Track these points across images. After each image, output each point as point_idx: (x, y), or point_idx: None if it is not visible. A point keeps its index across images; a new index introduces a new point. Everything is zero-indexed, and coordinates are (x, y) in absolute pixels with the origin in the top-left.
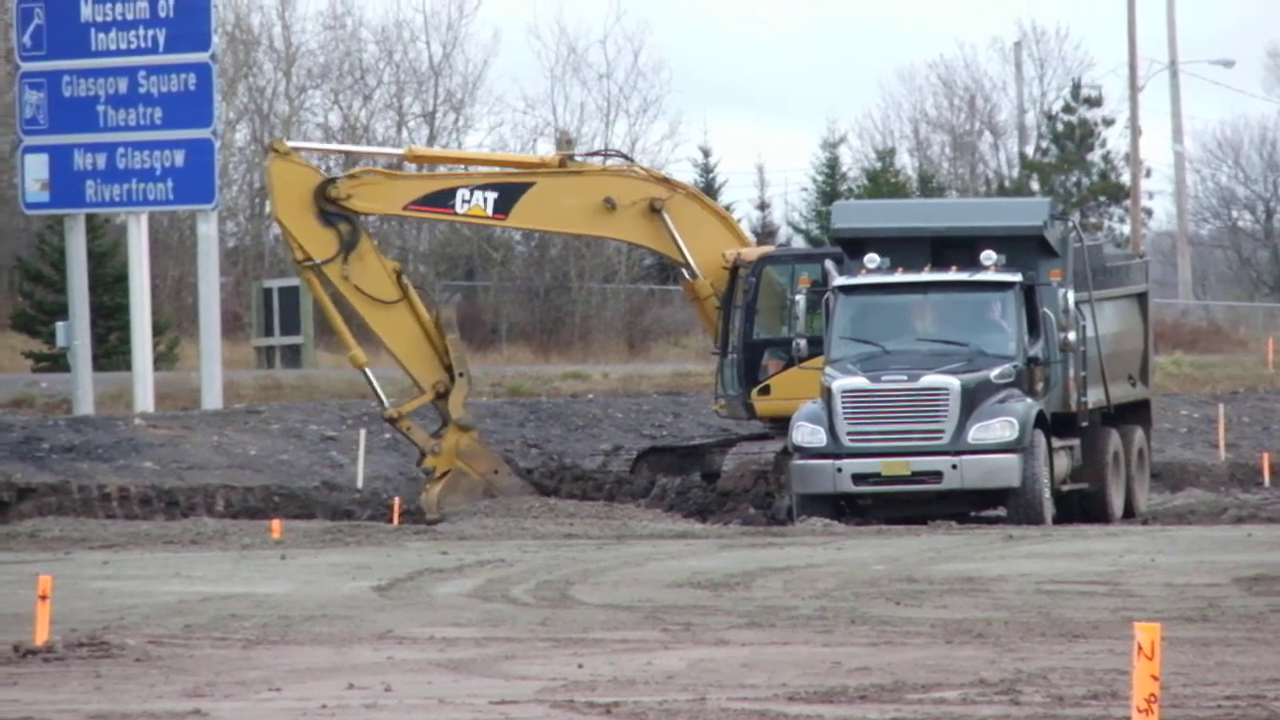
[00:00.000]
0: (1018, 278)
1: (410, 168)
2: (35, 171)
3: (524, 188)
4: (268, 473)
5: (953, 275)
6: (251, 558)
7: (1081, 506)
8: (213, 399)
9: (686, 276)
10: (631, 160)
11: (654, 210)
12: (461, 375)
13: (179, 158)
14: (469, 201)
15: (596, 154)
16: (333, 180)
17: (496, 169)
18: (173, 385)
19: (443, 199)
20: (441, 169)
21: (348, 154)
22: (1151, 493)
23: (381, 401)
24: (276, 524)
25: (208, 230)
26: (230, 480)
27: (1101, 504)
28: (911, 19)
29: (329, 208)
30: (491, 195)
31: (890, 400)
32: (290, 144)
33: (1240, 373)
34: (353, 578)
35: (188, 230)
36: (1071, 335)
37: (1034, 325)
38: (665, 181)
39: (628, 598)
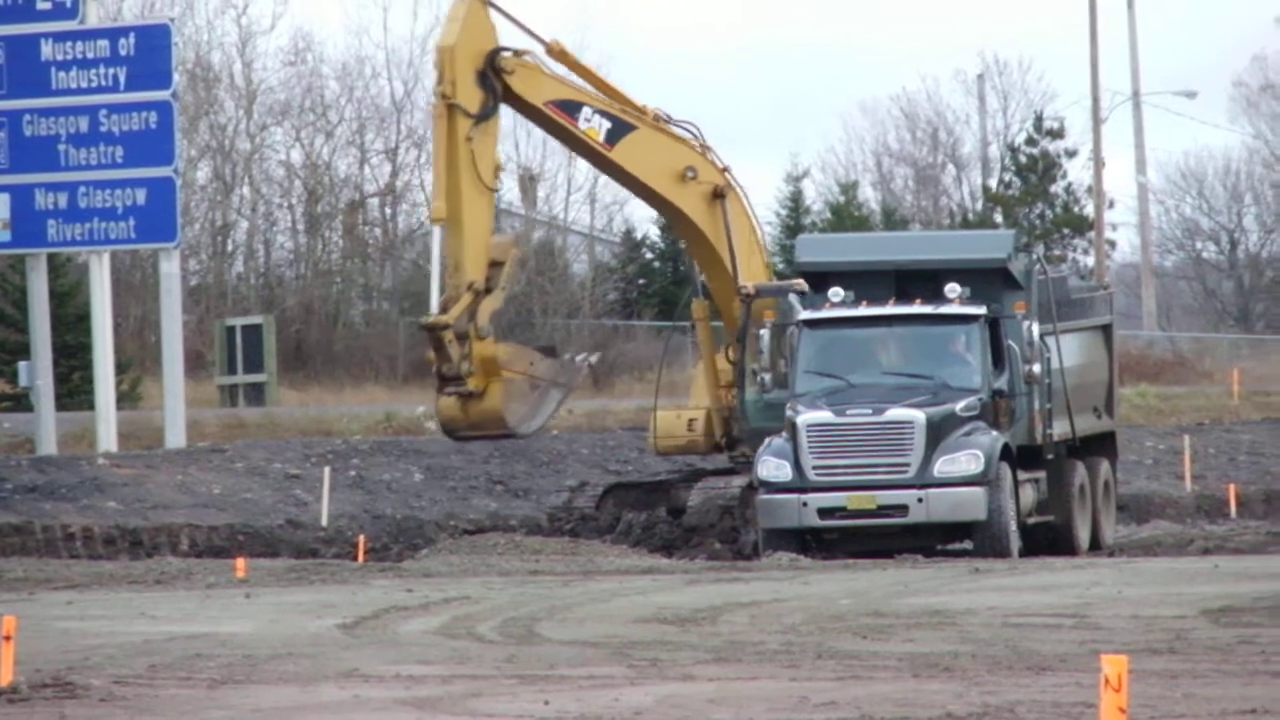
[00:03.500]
0: (982, 310)
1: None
2: None
3: (630, 127)
4: (232, 511)
5: (917, 308)
6: (216, 597)
7: (1048, 539)
8: (176, 438)
9: (697, 298)
10: (708, 145)
11: (717, 197)
12: (502, 290)
13: (141, 196)
14: (589, 121)
15: (683, 124)
16: (503, 50)
17: (614, 101)
18: (136, 424)
19: (573, 109)
20: (572, 77)
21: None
22: (1118, 525)
23: (433, 295)
24: (241, 563)
25: (170, 269)
26: (194, 519)
27: (1068, 536)
28: (874, 52)
29: (489, 72)
30: (606, 123)
31: (855, 434)
32: None
33: (1206, 404)
34: (318, 616)
35: (150, 269)
36: (1036, 368)
37: (999, 358)
38: (727, 175)
39: (594, 634)
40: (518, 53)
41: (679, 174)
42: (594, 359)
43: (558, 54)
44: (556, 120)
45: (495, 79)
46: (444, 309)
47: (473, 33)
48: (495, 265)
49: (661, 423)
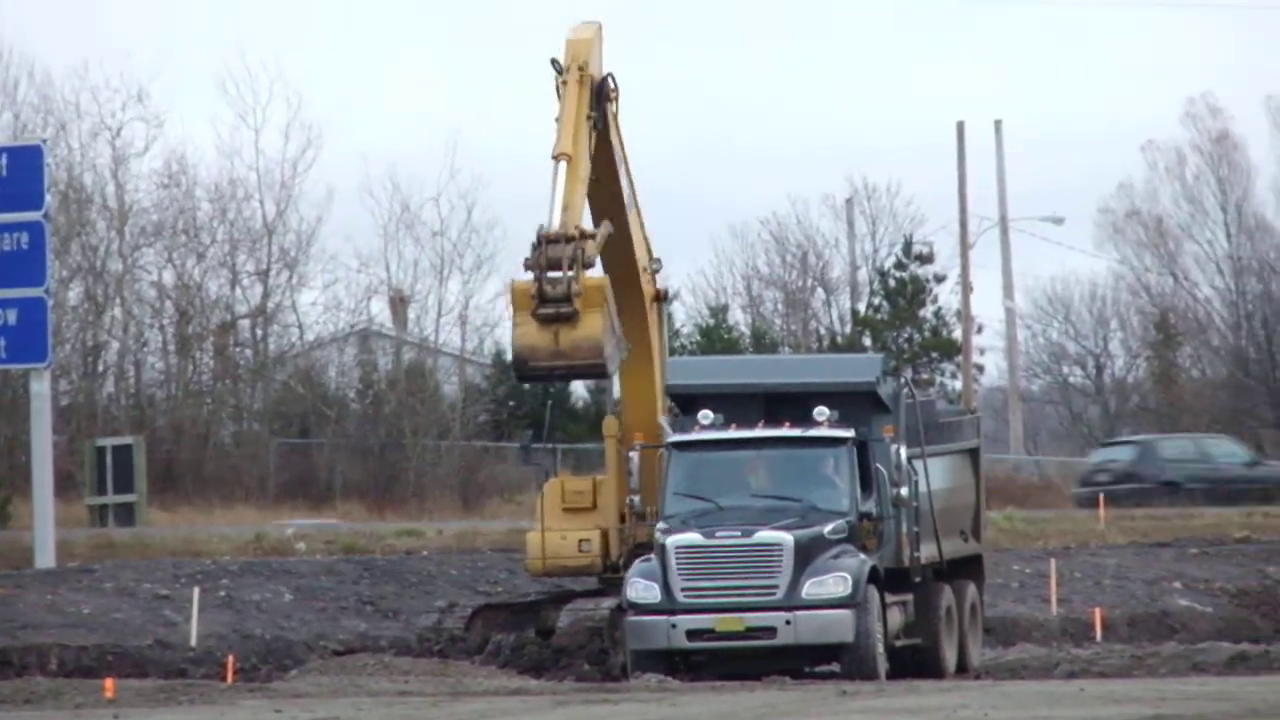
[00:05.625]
0: (850, 433)
1: None
2: None
3: (634, 201)
4: (101, 631)
5: (785, 431)
6: (85, 717)
7: (915, 661)
8: (45, 558)
9: (612, 414)
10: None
11: (656, 299)
12: (602, 236)
13: (12, 316)
14: (625, 178)
15: None
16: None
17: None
18: (5, 544)
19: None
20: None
21: None
22: (984, 647)
23: (553, 211)
24: (110, 683)
25: (41, 389)
26: (64, 639)
27: (935, 659)
28: (743, 175)
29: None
30: (628, 187)
31: (724, 556)
32: None
33: (1072, 528)
34: None
35: (21, 389)
36: (904, 490)
37: (867, 480)
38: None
39: None
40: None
41: (647, 262)
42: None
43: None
44: (613, 163)
45: (599, 100)
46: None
47: (599, 50)
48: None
49: (546, 544)
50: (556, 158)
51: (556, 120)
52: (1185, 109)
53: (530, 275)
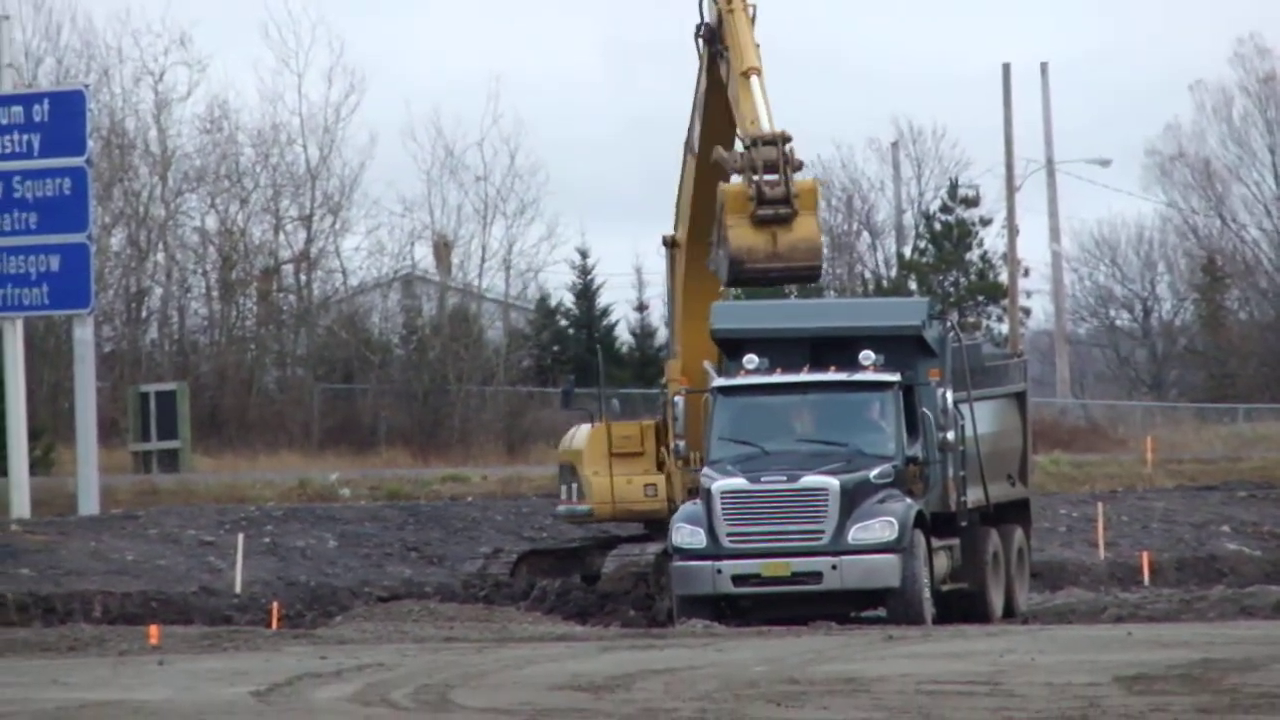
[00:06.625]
0: (896, 378)
1: None
2: None
3: None
4: (145, 578)
5: (831, 375)
6: (129, 664)
7: (961, 606)
8: (89, 505)
9: (673, 358)
10: None
11: None
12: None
13: (54, 263)
14: None
15: None
16: None
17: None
18: (49, 491)
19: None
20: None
21: None
22: (1031, 592)
23: (761, 116)
24: (154, 630)
25: (84, 335)
26: (107, 586)
27: (981, 604)
28: (787, 120)
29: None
30: None
31: (770, 501)
32: None
33: (1119, 472)
34: (231, 683)
35: (64, 335)
36: (950, 435)
37: (913, 425)
38: None
39: (508, 701)
40: None
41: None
42: None
43: None
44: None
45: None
46: None
47: None
48: None
49: (616, 488)
50: (745, 74)
51: (722, 45)
52: (1233, 49)
53: (739, 179)
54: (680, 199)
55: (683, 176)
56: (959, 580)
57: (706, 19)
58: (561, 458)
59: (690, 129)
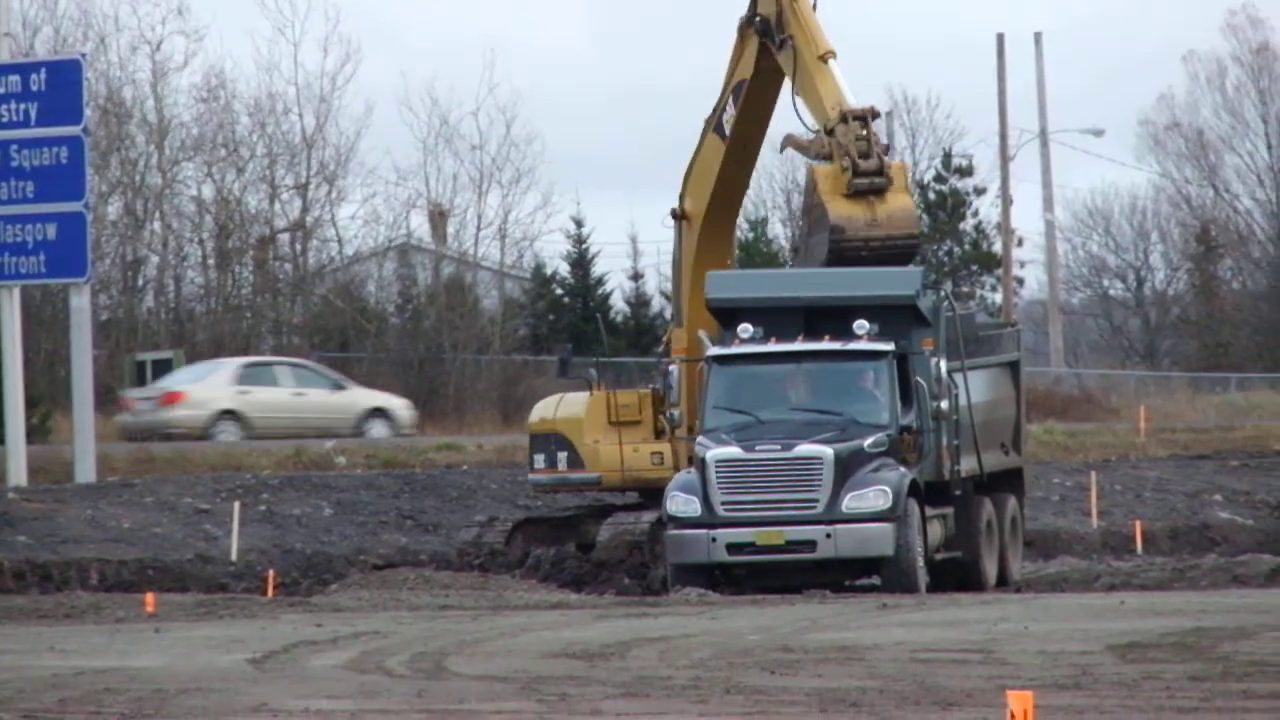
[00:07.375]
0: (890, 347)
1: None
2: None
3: None
4: (141, 546)
5: (825, 345)
6: (125, 631)
7: (955, 575)
8: (86, 472)
9: (678, 326)
10: None
11: None
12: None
13: (51, 231)
14: None
15: None
16: None
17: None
18: (46, 459)
19: None
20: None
21: None
22: (1025, 561)
23: (846, 95)
24: (150, 597)
25: (80, 303)
26: (104, 554)
27: (975, 572)
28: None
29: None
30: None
31: (764, 470)
32: None
33: (1112, 441)
34: (227, 650)
35: (60, 303)
36: (944, 404)
37: (907, 394)
38: None
39: (503, 669)
40: None
41: None
42: None
43: None
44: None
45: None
46: None
47: None
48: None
49: (623, 455)
50: (822, 58)
51: (786, 34)
52: (1226, 20)
53: (825, 163)
54: (694, 174)
55: (701, 153)
56: (953, 549)
57: (760, 11)
58: (544, 426)
59: (718, 110)
